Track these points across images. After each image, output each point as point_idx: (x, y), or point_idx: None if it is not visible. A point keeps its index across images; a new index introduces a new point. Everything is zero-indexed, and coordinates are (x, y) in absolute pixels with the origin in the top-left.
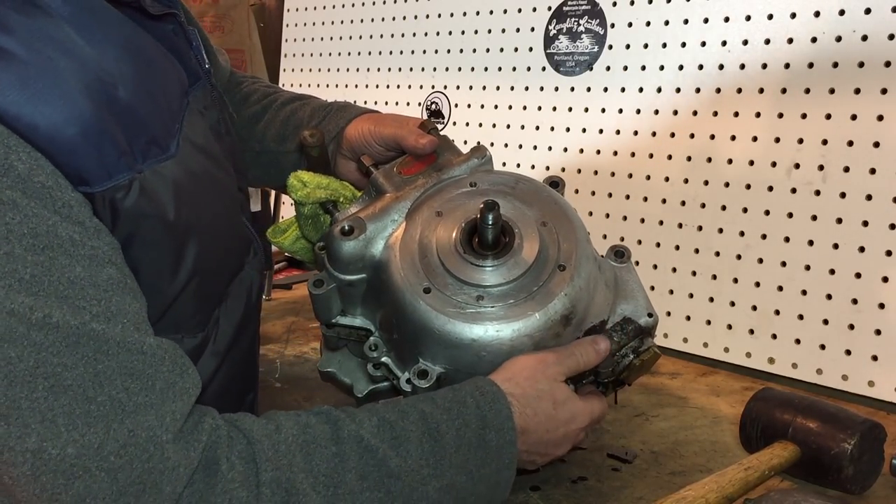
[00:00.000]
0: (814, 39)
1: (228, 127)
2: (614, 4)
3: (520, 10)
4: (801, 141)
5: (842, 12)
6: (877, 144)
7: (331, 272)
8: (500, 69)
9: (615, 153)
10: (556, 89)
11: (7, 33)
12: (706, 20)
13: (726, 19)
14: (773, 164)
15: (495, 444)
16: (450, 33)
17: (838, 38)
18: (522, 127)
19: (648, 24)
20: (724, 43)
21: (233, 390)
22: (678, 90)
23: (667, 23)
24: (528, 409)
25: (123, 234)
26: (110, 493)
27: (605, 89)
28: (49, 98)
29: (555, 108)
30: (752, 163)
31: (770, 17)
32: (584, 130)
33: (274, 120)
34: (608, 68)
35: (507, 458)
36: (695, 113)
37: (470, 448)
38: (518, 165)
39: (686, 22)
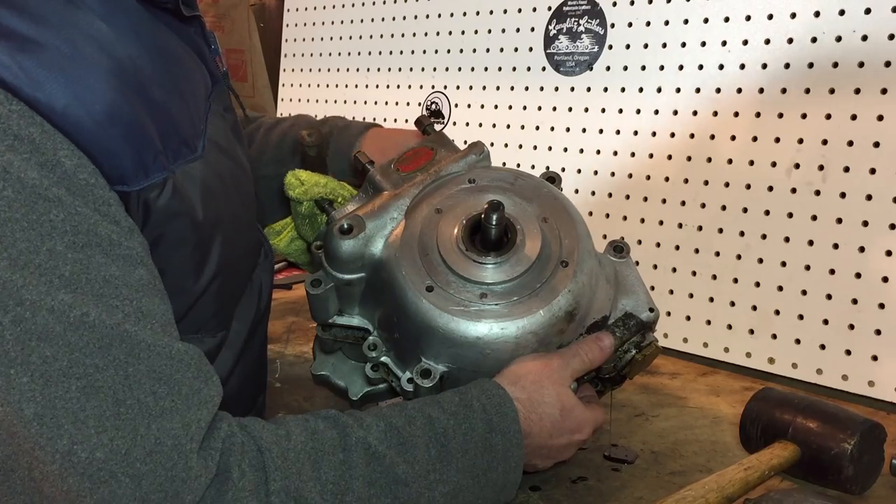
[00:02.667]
0: (814, 39)
1: (241, 130)
2: (614, 4)
3: (520, 10)
4: (801, 141)
5: (842, 12)
6: (877, 144)
7: (329, 271)
8: (500, 69)
9: (615, 153)
10: (556, 89)
11: (48, 27)
12: (706, 20)
13: (726, 19)
14: (773, 164)
15: (501, 448)
16: (450, 33)
17: (838, 38)
18: (522, 127)
19: (648, 24)
20: (724, 43)
21: (245, 392)
22: (678, 90)
23: (667, 23)
24: (533, 415)
25: (153, 233)
26: (133, 498)
27: (605, 89)
28: (92, 95)
29: (555, 108)
30: (752, 163)
31: (770, 17)
32: (584, 130)
33: (266, 145)
34: (608, 68)
35: (514, 461)
36: (695, 113)
37: (476, 452)
38: (518, 165)
39: (686, 22)
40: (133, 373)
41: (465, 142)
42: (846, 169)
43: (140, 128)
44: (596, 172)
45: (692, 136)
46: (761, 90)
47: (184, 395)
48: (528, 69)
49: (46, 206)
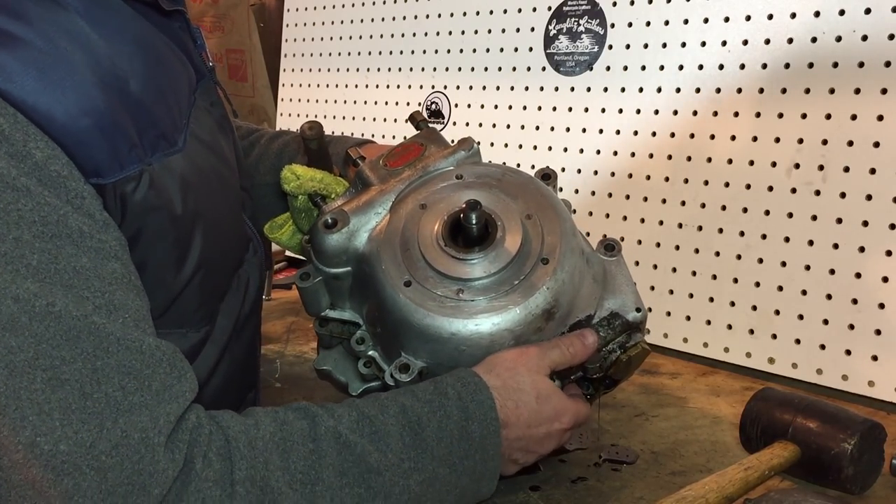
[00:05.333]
0: (814, 39)
1: (231, 125)
2: (614, 4)
3: (520, 10)
4: (801, 141)
5: (842, 12)
6: (877, 144)
7: (316, 265)
8: (500, 69)
9: (615, 153)
10: (556, 89)
11: (26, 23)
12: (706, 20)
13: (726, 19)
14: (773, 164)
15: (478, 435)
16: (450, 33)
17: (838, 38)
18: (522, 127)
19: (648, 24)
20: (724, 43)
21: (233, 388)
22: (678, 90)
23: (667, 23)
24: (509, 402)
25: (132, 228)
26: (99, 491)
27: (605, 89)
28: (65, 89)
29: (555, 108)
30: (752, 163)
31: (770, 17)
32: (584, 130)
33: (266, 154)
34: (608, 68)
35: (491, 448)
36: (695, 113)
37: (452, 440)
38: (518, 165)
39: (686, 22)
40: (101, 366)
41: None
42: (846, 169)
43: (114, 120)
44: (596, 172)
45: (692, 136)
46: (761, 90)
47: (154, 391)
48: (528, 69)
49: (14, 196)
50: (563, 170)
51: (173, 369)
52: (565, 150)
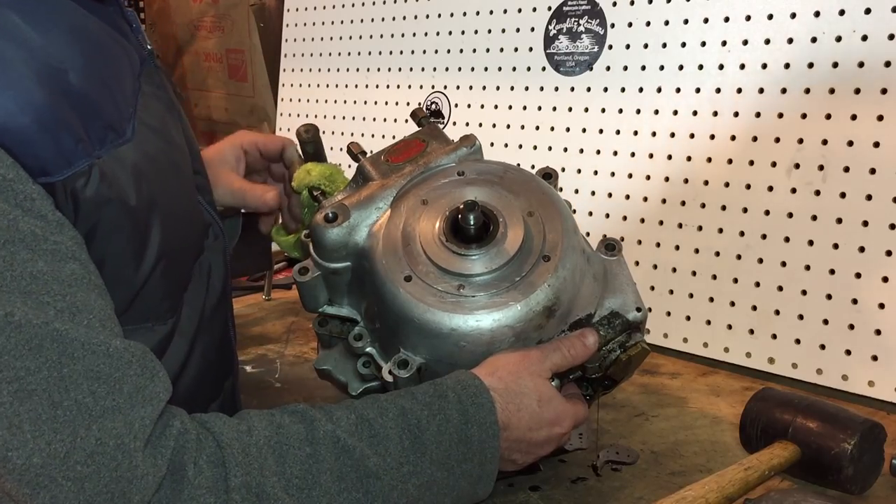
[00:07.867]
0: (814, 39)
1: (179, 108)
2: (614, 4)
3: (520, 10)
4: (801, 141)
5: (842, 12)
6: (877, 144)
7: (315, 260)
8: (500, 69)
9: (615, 153)
10: (556, 89)
11: None
12: (706, 20)
13: (726, 19)
14: (773, 164)
15: (477, 439)
16: (450, 33)
17: (838, 38)
18: (522, 127)
19: (648, 24)
20: (724, 43)
21: (209, 377)
22: (678, 90)
23: (667, 23)
24: (510, 405)
25: (87, 224)
26: (77, 501)
27: (605, 89)
28: (3, 89)
29: (555, 108)
30: (752, 163)
31: (770, 17)
32: (584, 130)
33: None
34: (608, 68)
35: (490, 452)
36: (695, 113)
37: (451, 444)
38: (518, 165)
39: (686, 22)
40: (68, 373)
41: None
42: (846, 169)
43: (56, 115)
44: (596, 172)
45: (692, 135)
46: (761, 90)
47: (126, 394)
48: (528, 69)
49: None
50: (563, 170)
51: (144, 370)
52: (565, 150)
